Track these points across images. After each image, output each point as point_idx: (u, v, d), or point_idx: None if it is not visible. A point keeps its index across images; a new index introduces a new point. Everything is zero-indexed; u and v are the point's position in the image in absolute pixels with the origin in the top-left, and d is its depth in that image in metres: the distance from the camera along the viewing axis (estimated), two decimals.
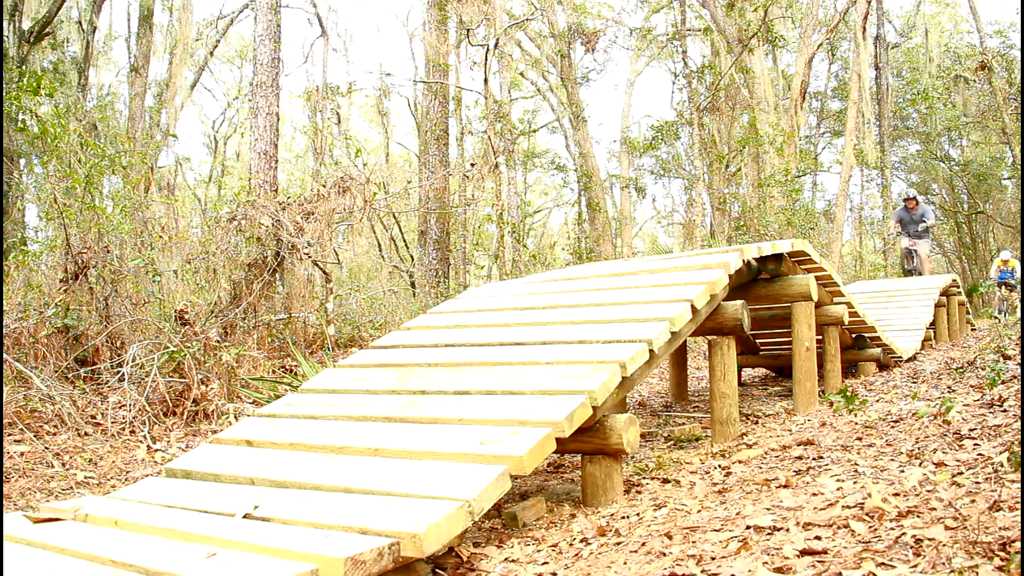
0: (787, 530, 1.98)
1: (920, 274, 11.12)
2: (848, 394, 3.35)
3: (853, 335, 6.34)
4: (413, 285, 11.85)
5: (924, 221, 10.76)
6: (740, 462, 3.36)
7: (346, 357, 4.86)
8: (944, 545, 1.63)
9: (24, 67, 9.96)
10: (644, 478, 3.40)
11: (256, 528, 2.29)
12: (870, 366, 6.38)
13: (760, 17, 13.40)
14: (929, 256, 11.14)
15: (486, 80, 12.93)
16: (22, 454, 4.09)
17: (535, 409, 2.82)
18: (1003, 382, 3.62)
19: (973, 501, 1.89)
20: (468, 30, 13.38)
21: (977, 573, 1.47)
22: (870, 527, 1.86)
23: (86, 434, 4.57)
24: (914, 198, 10.82)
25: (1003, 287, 13.12)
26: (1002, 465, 2.17)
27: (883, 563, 1.61)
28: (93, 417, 4.78)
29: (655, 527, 2.44)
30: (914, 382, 5.20)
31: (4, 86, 6.65)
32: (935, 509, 1.90)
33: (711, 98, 14.95)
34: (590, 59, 19.43)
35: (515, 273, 12.09)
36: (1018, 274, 13.25)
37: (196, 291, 6.94)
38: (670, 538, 2.22)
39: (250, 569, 1.95)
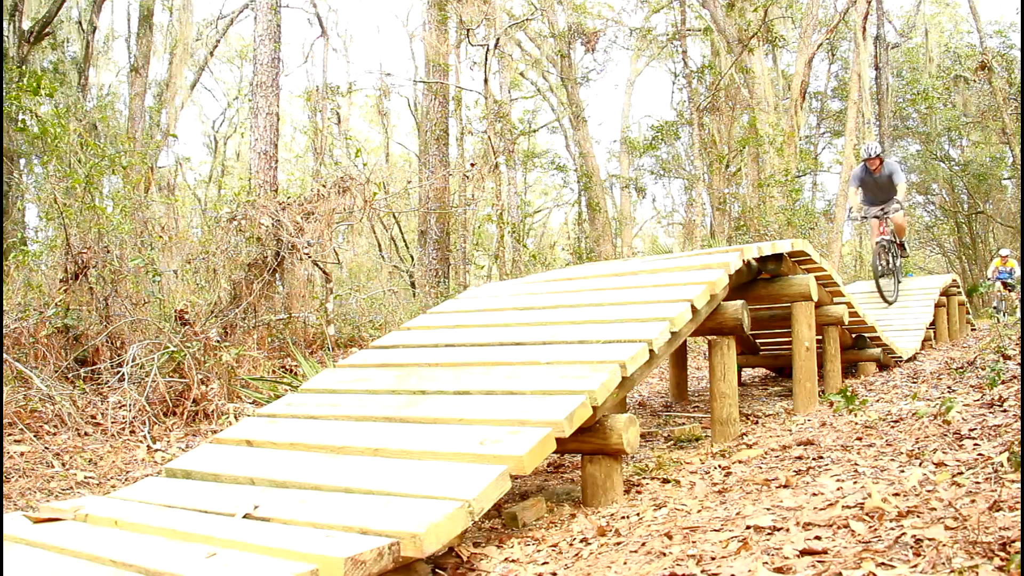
0: (787, 530, 1.98)
1: (899, 262, 8.37)
2: (848, 394, 3.34)
3: (853, 335, 6.34)
4: (413, 285, 11.85)
5: (894, 187, 7.95)
6: (740, 462, 3.36)
7: (346, 357, 4.86)
8: (944, 545, 1.63)
9: (24, 67, 9.96)
10: (644, 478, 3.40)
11: (256, 528, 2.29)
12: (870, 366, 6.38)
13: (760, 17, 13.41)
14: (904, 216, 8.27)
15: (486, 80, 12.93)
16: (22, 454, 4.09)
17: (535, 409, 2.81)
18: (1003, 382, 3.62)
19: (973, 501, 1.89)
20: (468, 30, 13.38)
21: (977, 573, 1.47)
22: (870, 527, 1.86)
23: (86, 434, 4.57)
24: (878, 156, 7.95)
25: (1003, 286, 13.02)
26: (1002, 465, 2.17)
27: (883, 563, 1.61)
28: (93, 417, 4.78)
29: (655, 527, 2.44)
30: (914, 382, 5.20)
31: (4, 86, 6.65)
32: (935, 509, 1.90)
33: (711, 98, 14.96)
34: (590, 59, 19.44)
35: (515, 273, 12.09)
36: (1017, 273, 13.19)
37: (196, 291, 6.94)
38: (670, 538, 2.22)
39: (250, 569, 1.95)
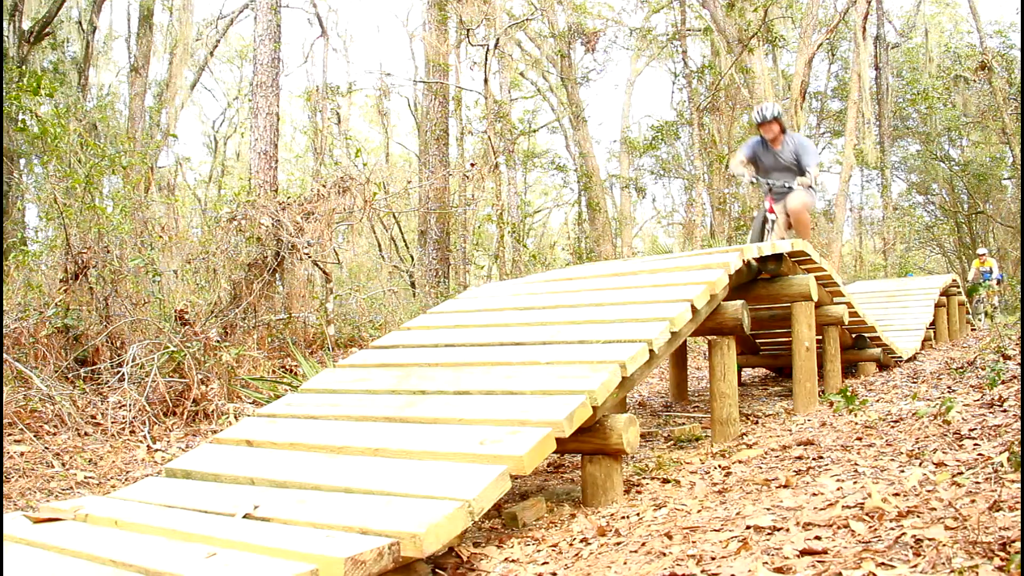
0: (787, 530, 1.98)
1: None
2: (848, 394, 3.34)
3: (853, 335, 6.34)
4: (413, 285, 11.85)
5: (797, 164, 5.80)
6: (740, 462, 3.36)
7: (346, 357, 4.86)
8: (944, 545, 1.63)
9: (24, 67, 9.96)
10: (644, 478, 3.40)
11: (256, 528, 2.29)
12: (870, 366, 6.39)
13: (760, 17, 13.41)
14: (807, 206, 5.81)
15: (486, 80, 12.93)
16: (22, 454, 4.09)
17: (535, 409, 2.81)
18: (1003, 382, 3.62)
19: (973, 501, 1.89)
20: (468, 30, 13.38)
21: (977, 573, 1.47)
22: (870, 527, 1.86)
23: (86, 434, 4.57)
24: (775, 119, 5.78)
25: (983, 288, 12.73)
26: (1002, 465, 2.17)
27: (883, 563, 1.61)
28: (93, 417, 4.78)
29: (655, 527, 2.44)
30: (914, 382, 5.20)
31: (4, 86, 6.65)
32: (935, 509, 1.90)
33: (711, 98, 14.96)
34: (590, 59, 19.45)
35: (515, 273, 12.09)
36: (995, 272, 13.11)
37: (196, 291, 6.94)
38: (670, 538, 2.22)
39: (250, 569, 1.95)
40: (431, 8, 13.20)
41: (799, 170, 5.85)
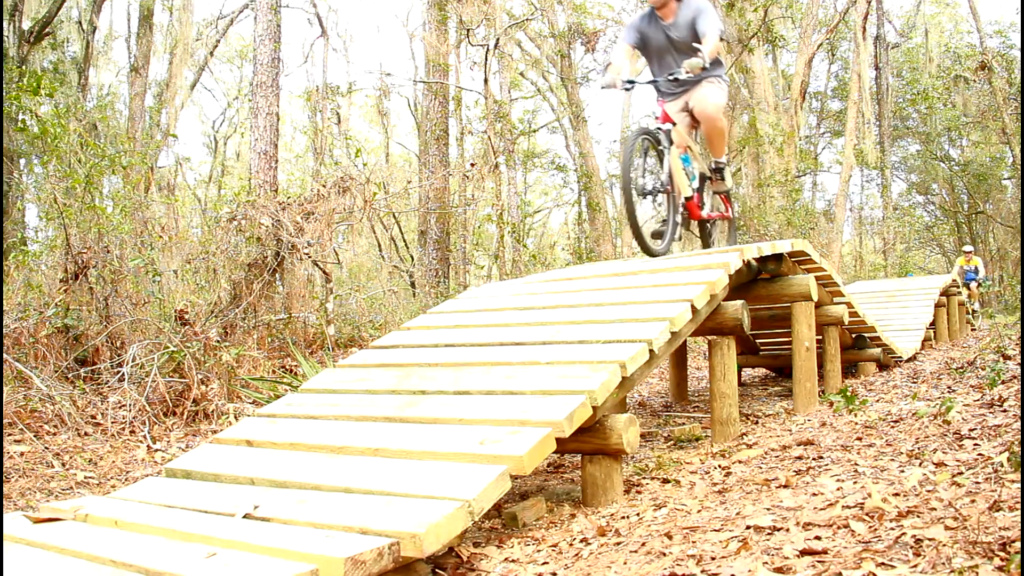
0: (787, 530, 1.98)
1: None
2: (848, 394, 3.35)
3: (853, 335, 6.34)
4: (413, 285, 11.85)
5: (696, 42, 4.28)
6: (740, 462, 3.36)
7: (346, 357, 4.86)
8: (944, 545, 1.63)
9: (24, 67, 9.96)
10: (644, 478, 3.40)
11: (256, 528, 2.29)
12: (870, 366, 6.39)
13: (760, 17, 13.41)
14: (721, 108, 4.49)
15: (486, 80, 12.93)
16: (22, 454, 4.09)
17: (535, 409, 2.81)
18: (1003, 382, 3.62)
19: (973, 501, 1.89)
20: (468, 30, 13.39)
21: (977, 573, 1.47)
22: (870, 527, 1.86)
23: (86, 434, 4.57)
24: None
25: (966, 287, 12.35)
26: (1002, 465, 2.17)
27: (883, 563, 1.61)
28: (93, 417, 4.78)
29: (655, 527, 2.44)
30: (914, 382, 5.20)
31: (4, 86, 6.65)
32: (935, 509, 1.90)
33: None
34: (590, 59, 19.45)
35: (515, 273, 12.09)
36: (981, 272, 12.90)
37: (196, 291, 6.94)
38: (670, 538, 2.22)
39: (250, 569, 1.95)
40: (431, 8, 13.20)
41: (693, 43, 4.28)
